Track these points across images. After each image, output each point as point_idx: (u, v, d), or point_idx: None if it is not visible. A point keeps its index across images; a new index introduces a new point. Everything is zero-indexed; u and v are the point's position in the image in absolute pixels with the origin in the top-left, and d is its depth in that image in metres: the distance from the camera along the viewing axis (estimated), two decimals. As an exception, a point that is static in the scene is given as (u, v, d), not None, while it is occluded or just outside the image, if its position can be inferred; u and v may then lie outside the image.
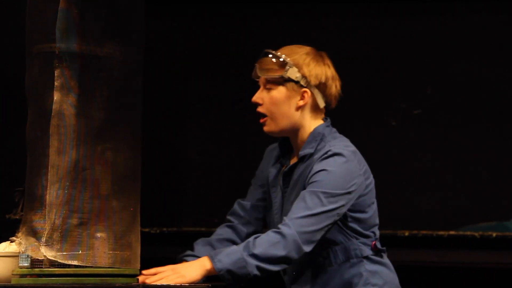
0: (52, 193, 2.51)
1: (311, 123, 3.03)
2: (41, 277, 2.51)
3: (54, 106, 2.52)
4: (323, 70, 3.02)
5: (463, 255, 4.28)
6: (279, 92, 2.99)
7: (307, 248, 2.81)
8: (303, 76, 2.99)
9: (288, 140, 3.09)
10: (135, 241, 2.61)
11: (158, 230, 4.39)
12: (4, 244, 2.78)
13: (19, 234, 2.55)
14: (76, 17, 2.51)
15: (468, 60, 4.35)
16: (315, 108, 3.02)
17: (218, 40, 4.50)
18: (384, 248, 3.07)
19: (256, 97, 3.01)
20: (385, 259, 3.08)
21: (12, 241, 2.63)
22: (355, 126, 4.32)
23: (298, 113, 3.00)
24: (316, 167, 2.92)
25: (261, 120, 3.02)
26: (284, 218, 2.86)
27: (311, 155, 2.99)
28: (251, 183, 3.23)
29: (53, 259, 2.49)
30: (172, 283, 2.69)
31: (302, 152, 3.00)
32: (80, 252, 2.51)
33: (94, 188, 2.55)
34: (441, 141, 4.35)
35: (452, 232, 4.28)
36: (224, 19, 4.52)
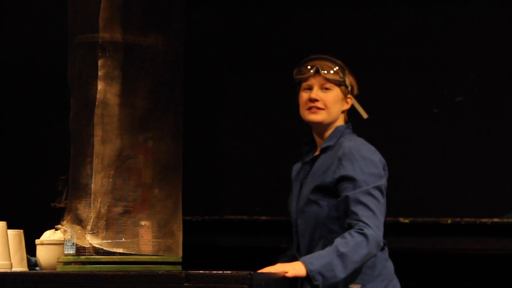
0: (97, 182, 2.53)
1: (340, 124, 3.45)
2: (86, 264, 2.53)
3: (98, 96, 2.54)
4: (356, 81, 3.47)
5: (506, 242, 4.25)
6: (337, 92, 3.39)
7: (382, 241, 3.20)
8: (351, 84, 3.43)
9: (310, 140, 3.47)
10: (177, 229, 2.63)
11: (199, 218, 4.41)
12: (49, 232, 2.81)
13: (64, 222, 2.58)
14: (119, 6, 2.53)
15: None
16: (347, 113, 3.45)
17: (258, 31, 4.50)
18: (385, 241, 3.26)
19: (316, 95, 3.37)
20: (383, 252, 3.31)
21: (57, 229, 2.66)
22: (398, 114, 4.30)
23: (340, 115, 3.41)
24: (347, 164, 3.28)
25: (316, 110, 3.37)
26: (353, 222, 3.17)
27: (330, 147, 3.35)
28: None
29: (98, 246, 2.51)
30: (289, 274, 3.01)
31: (323, 145, 3.37)
32: (124, 240, 2.53)
33: (137, 177, 2.57)
34: (484, 128, 4.31)
35: (495, 220, 4.25)
36: (265, 9, 4.52)
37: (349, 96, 3.41)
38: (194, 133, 4.34)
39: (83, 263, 2.53)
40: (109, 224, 2.52)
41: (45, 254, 2.77)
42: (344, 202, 3.22)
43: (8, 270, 2.64)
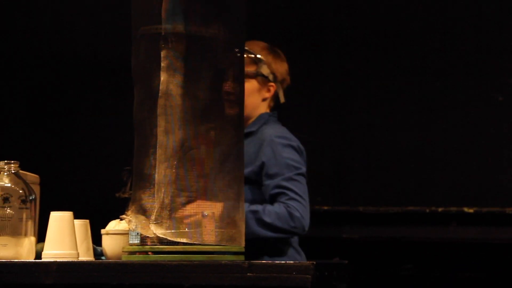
0: (161, 172, 2.55)
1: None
2: (150, 254, 2.56)
3: (161, 87, 2.56)
4: (284, 67, 3.51)
5: None
6: (253, 84, 3.44)
7: (307, 226, 3.35)
8: (272, 72, 3.45)
9: None
10: (240, 219, 2.64)
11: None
12: (113, 222, 2.85)
13: (129, 212, 2.60)
14: (182, -3, 2.54)
15: None
16: (273, 100, 3.51)
17: (320, 18, 4.48)
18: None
19: (230, 88, 3.34)
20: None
21: (121, 219, 2.69)
22: (461, 102, 4.25)
23: (261, 103, 3.46)
24: (268, 151, 3.36)
25: (230, 104, 3.35)
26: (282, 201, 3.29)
27: (253, 133, 3.43)
28: None
29: (163, 236, 2.53)
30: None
31: (245, 130, 3.43)
32: (187, 230, 2.54)
33: (199, 167, 2.58)
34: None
35: None
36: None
37: (270, 84, 3.47)
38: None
39: (148, 252, 2.56)
40: (172, 214, 2.54)
41: (110, 244, 2.80)
42: (269, 188, 3.30)
43: (75, 260, 2.68)
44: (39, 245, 2.77)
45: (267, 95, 3.46)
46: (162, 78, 2.56)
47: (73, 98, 4.21)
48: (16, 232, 2.68)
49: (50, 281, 2.46)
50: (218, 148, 2.61)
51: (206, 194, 2.59)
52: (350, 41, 4.39)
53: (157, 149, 2.56)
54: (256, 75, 3.43)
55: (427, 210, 4.24)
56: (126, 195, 2.75)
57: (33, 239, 2.74)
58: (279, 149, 3.37)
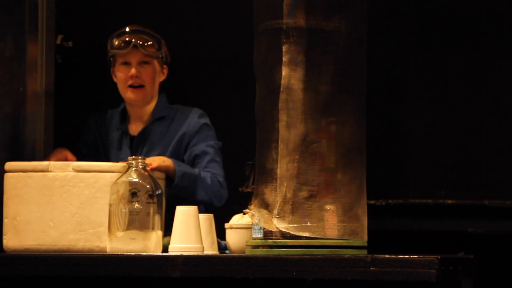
0: (283, 167, 2.56)
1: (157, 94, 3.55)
2: (273, 248, 2.57)
3: (282, 81, 2.57)
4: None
5: None
6: (156, 66, 3.48)
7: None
8: (165, 54, 3.52)
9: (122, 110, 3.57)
10: (362, 213, 2.63)
11: (383, 202, 4.39)
12: (237, 216, 2.88)
13: (252, 207, 2.62)
14: (303, -8, 2.55)
15: None
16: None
17: (441, 5, 4.41)
18: None
19: (137, 71, 3.44)
20: None
21: (245, 213, 2.71)
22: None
23: (158, 85, 3.52)
24: (199, 135, 3.47)
25: (137, 88, 3.46)
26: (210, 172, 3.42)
27: (166, 117, 3.49)
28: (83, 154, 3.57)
29: (285, 230, 2.55)
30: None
31: (157, 115, 3.49)
32: (310, 224, 2.55)
33: (321, 161, 2.58)
34: None
35: None
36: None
37: (164, 66, 3.51)
38: (377, 116, 4.31)
39: (271, 246, 2.58)
40: (294, 208, 2.55)
41: (234, 238, 2.84)
42: (196, 158, 3.41)
43: (200, 253, 2.72)
44: (166, 238, 2.83)
45: (162, 77, 3.53)
46: (283, 73, 2.57)
47: (197, 94, 4.27)
48: (144, 226, 2.75)
49: (176, 274, 2.51)
50: (340, 142, 2.60)
51: (328, 188, 2.58)
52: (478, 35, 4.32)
53: (279, 143, 2.58)
54: (158, 56, 3.47)
55: (557, 203, 4.12)
56: (249, 190, 2.77)
57: (160, 233, 2.80)
58: (206, 131, 3.50)
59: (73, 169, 2.97)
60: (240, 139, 3.71)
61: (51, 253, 2.86)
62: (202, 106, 3.67)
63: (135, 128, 3.55)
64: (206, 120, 3.56)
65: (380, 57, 4.44)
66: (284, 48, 2.57)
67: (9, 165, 3.04)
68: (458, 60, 4.32)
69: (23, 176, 3.00)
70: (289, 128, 2.57)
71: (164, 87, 3.64)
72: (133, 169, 2.78)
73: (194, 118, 3.53)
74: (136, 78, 3.47)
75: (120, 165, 2.93)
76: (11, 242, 2.98)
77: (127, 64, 3.47)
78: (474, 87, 4.00)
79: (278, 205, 2.55)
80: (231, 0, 4.23)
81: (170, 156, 3.39)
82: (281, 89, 2.58)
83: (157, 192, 2.78)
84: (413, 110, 4.45)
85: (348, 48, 2.61)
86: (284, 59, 2.57)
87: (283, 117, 2.57)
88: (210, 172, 3.42)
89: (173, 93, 3.72)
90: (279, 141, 2.58)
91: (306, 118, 2.57)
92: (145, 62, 3.47)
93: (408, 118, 4.47)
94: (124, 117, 3.58)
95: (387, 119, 4.48)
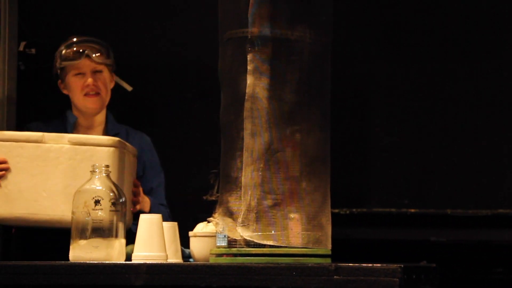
0: (247, 175, 2.56)
1: None
2: (237, 256, 2.57)
3: (247, 90, 2.57)
4: None
5: None
6: (107, 74, 3.52)
7: None
8: (114, 62, 3.56)
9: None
10: (326, 221, 2.63)
11: (347, 211, 4.40)
12: (201, 224, 2.87)
13: (216, 215, 2.62)
14: (268, 1, 2.55)
15: None
16: None
17: (404, 18, 4.44)
18: None
19: (92, 80, 3.47)
20: None
21: (209, 222, 2.71)
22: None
23: (110, 93, 3.55)
24: (149, 153, 3.57)
25: (94, 96, 3.49)
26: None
27: (119, 134, 3.48)
28: None
29: (249, 239, 2.54)
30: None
31: (113, 130, 3.53)
32: (274, 232, 2.55)
33: (285, 170, 2.59)
34: None
35: None
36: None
37: (113, 74, 3.56)
38: (341, 125, 4.33)
39: (235, 255, 2.57)
40: (259, 216, 2.55)
41: (198, 246, 2.83)
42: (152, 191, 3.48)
43: (164, 261, 2.71)
44: (129, 247, 2.81)
45: (112, 85, 3.57)
46: (248, 81, 2.58)
47: (160, 102, 4.26)
48: (107, 234, 2.73)
49: (139, 282, 2.50)
50: (304, 150, 2.61)
51: (292, 197, 2.59)
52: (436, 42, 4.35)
53: (244, 152, 2.58)
54: (108, 64, 3.52)
55: (517, 213, 4.16)
56: (213, 198, 2.77)
57: (123, 241, 2.78)
58: (153, 150, 3.61)
59: (68, 141, 2.97)
60: (205, 148, 3.71)
61: (8, 262, 2.81)
62: (166, 115, 3.66)
63: None
64: (153, 148, 3.64)
65: (345, 66, 4.46)
66: (249, 57, 2.58)
67: (1, 134, 3.04)
68: (423, 71, 4.36)
69: (15, 146, 2.99)
70: (254, 137, 2.57)
71: (129, 96, 3.64)
72: (97, 177, 2.76)
73: (148, 147, 3.61)
74: (93, 86, 3.50)
75: (116, 139, 2.96)
76: (1, 210, 2.96)
77: (80, 74, 3.48)
78: (438, 98, 4.03)
79: (242, 213, 2.55)
80: (197, 9, 4.23)
81: None
82: (246, 97, 2.58)
83: (121, 200, 2.77)
84: (377, 120, 4.48)
85: (313, 57, 2.62)
86: (249, 67, 2.57)
87: (247, 126, 2.57)
88: (164, 207, 3.56)
89: (138, 101, 3.72)
90: (244, 149, 2.58)
91: (271, 126, 2.58)
92: (98, 71, 3.50)
93: (372, 127, 4.50)
94: (74, 127, 3.59)
95: (351, 129, 4.51)
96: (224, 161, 2.64)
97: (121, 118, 3.74)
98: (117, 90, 3.66)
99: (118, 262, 2.71)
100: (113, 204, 2.74)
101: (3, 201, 2.96)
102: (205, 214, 2.73)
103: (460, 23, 4.33)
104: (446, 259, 4.13)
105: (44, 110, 4.11)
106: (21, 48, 3.89)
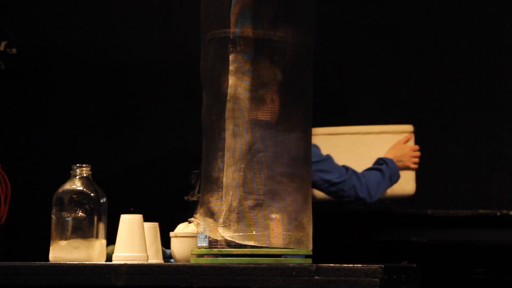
0: (229, 176, 2.56)
1: None
2: (218, 257, 2.57)
3: (229, 90, 2.57)
4: None
5: None
6: None
7: None
8: None
9: None
10: (308, 222, 2.64)
11: (328, 212, 4.41)
12: (182, 225, 2.87)
13: (197, 215, 2.62)
14: (250, 1, 2.55)
15: None
16: None
17: (388, 20, 4.45)
18: None
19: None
20: None
21: (190, 222, 2.70)
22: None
23: None
24: None
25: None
26: None
27: None
28: None
29: (230, 239, 2.54)
30: None
31: None
32: (255, 232, 2.55)
33: (267, 170, 2.59)
34: None
35: None
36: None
37: None
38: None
39: (216, 255, 2.57)
40: (240, 217, 2.55)
41: (179, 246, 2.82)
42: None
43: (145, 262, 2.70)
44: (110, 247, 2.80)
45: None
46: (230, 82, 2.57)
47: (141, 102, 4.25)
48: (87, 234, 2.72)
49: (120, 283, 2.49)
50: (286, 151, 2.61)
51: (274, 197, 2.59)
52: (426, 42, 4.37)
53: (225, 152, 2.58)
54: None
55: (498, 213, 4.17)
56: (195, 198, 2.77)
57: (104, 241, 2.77)
58: None
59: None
60: (186, 148, 3.70)
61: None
62: (149, 115, 3.65)
63: None
64: None
65: (328, 67, 4.47)
66: (231, 57, 2.57)
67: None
68: (406, 72, 4.37)
69: None
70: (236, 137, 2.57)
71: (111, 96, 3.62)
72: (77, 177, 2.75)
73: None
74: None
75: None
76: None
77: None
78: (420, 99, 4.04)
79: (223, 214, 2.55)
80: (179, 9, 4.22)
81: None
82: (227, 98, 2.58)
83: (101, 201, 2.76)
84: (360, 120, 4.49)
85: (295, 57, 2.62)
86: (231, 68, 2.57)
87: (229, 126, 2.57)
88: None
89: (121, 101, 3.70)
90: (225, 149, 2.58)
91: (253, 127, 2.58)
92: None
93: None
94: None
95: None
96: (206, 161, 2.64)
97: (103, 118, 3.73)
98: (103, 91, 3.64)
99: (99, 262, 2.70)
100: (94, 204, 2.74)
101: None
102: (186, 215, 2.73)
103: (446, 22, 4.35)
104: (426, 259, 4.14)
105: (25, 110, 4.09)
106: (2, 48, 3.87)
